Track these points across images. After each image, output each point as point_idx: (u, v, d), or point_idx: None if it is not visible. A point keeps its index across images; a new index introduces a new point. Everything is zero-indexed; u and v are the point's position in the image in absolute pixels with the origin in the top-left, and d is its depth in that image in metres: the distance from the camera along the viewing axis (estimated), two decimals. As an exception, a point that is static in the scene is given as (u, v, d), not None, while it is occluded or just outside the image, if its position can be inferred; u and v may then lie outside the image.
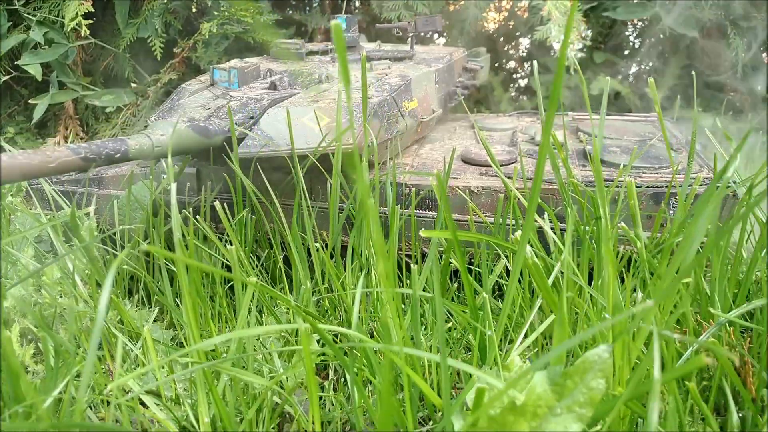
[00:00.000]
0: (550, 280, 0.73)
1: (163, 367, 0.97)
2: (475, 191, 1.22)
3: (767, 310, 0.78)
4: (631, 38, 3.12)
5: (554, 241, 0.84)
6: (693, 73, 1.33)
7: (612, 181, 1.19)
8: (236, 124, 1.20)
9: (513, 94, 3.48)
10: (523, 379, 0.63)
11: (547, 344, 0.90)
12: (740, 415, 0.78)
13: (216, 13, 2.51)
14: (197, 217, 1.06)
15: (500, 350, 0.78)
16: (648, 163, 1.28)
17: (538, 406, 0.55)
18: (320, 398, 0.96)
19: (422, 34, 1.93)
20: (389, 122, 1.30)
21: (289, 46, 1.49)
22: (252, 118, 1.24)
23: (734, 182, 1.06)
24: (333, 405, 0.89)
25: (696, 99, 2.62)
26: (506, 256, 0.93)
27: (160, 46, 2.69)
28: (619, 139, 1.46)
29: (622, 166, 1.22)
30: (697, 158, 1.36)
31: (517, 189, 1.21)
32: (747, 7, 2.71)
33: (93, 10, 2.54)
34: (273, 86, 1.38)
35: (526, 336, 0.74)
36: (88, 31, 2.47)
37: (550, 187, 1.21)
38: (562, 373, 0.55)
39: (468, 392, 0.63)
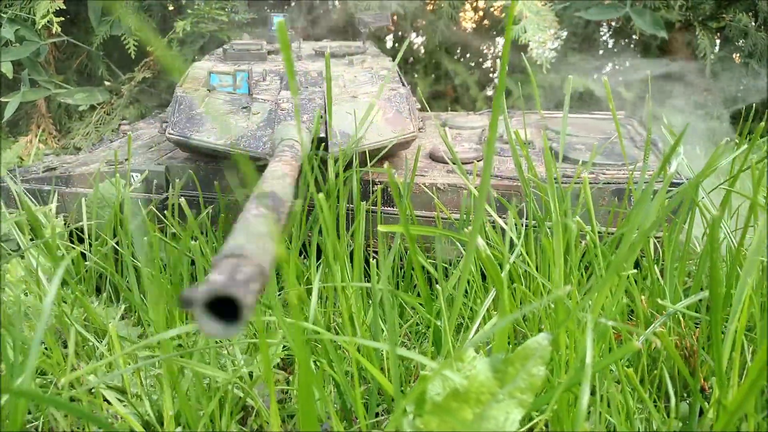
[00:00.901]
0: (505, 273, 0.75)
1: (129, 363, 0.97)
2: (441, 188, 1.24)
3: (717, 300, 0.81)
4: (605, 38, 3.17)
5: (513, 236, 0.86)
6: (648, 72, 1.36)
7: (570, 177, 1.21)
8: (306, 125, 1.21)
9: (490, 92, 3.51)
10: (467, 364, 0.65)
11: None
12: (688, 402, 0.81)
13: (190, 11, 2.50)
14: (164, 213, 1.07)
15: (457, 341, 0.80)
16: (612, 160, 1.31)
17: (481, 393, 0.57)
18: (286, 392, 0.97)
19: (372, 30, 1.94)
20: (414, 112, 1.37)
21: (249, 46, 1.48)
22: (321, 117, 1.25)
23: (686, 178, 1.10)
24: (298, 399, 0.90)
25: (667, 98, 2.67)
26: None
27: (134, 44, 2.67)
28: (586, 136, 1.49)
29: (581, 163, 1.25)
30: (659, 155, 1.40)
31: (478, 186, 1.24)
32: (714, 9, 2.77)
33: (65, 8, 2.51)
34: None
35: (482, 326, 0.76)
36: (59, 29, 2.45)
37: (514, 183, 1.23)
38: (503, 360, 0.57)
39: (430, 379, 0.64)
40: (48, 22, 2.47)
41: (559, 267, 0.69)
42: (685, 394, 0.85)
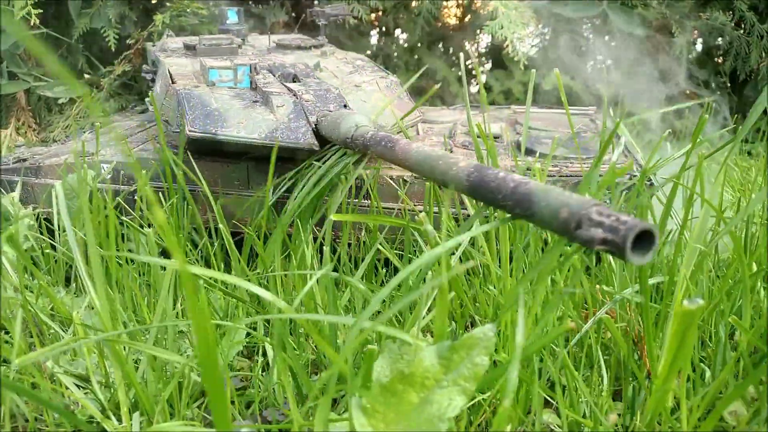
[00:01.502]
0: (455, 257, 0.77)
1: (94, 352, 0.98)
2: (408, 180, 1.26)
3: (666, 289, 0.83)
4: (585, 35, 3.20)
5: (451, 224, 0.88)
6: (603, 67, 1.38)
7: (529, 170, 1.24)
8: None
9: (474, 89, 3.53)
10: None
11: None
12: (633, 385, 0.84)
13: (169, 4, 2.49)
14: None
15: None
16: (577, 154, 1.34)
17: (426, 378, 0.59)
18: (249, 379, 0.98)
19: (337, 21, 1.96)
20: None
21: (220, 41, 1.49)
22: (345, 106, 1.26)
23: (636, 172, 1.13)
24: (261, 386, 0.91)
25: (643, 94, 2.70)
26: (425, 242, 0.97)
27: (114, 37, 2.66)
28: (554, 131, 1.52)
29: (537, 155, 1.27)
30: (625, 151, 1.42)
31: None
32: (692, 7, 2.81)
33: None
34: (295, 78, 1.39)
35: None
36: (38, 20, 2.43)
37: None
38: (449, 347, 0.58)
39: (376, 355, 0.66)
40: (26, 13, 2.46)
41: (505, 253, 0.71)
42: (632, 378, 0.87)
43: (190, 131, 1.22)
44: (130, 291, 1.04)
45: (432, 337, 0.91)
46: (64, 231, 1.27)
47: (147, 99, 1.80)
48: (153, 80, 1.72)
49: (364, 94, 1.33)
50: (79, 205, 1.20)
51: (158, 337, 0.86)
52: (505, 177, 0.65)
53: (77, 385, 0.87)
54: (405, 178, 1.27)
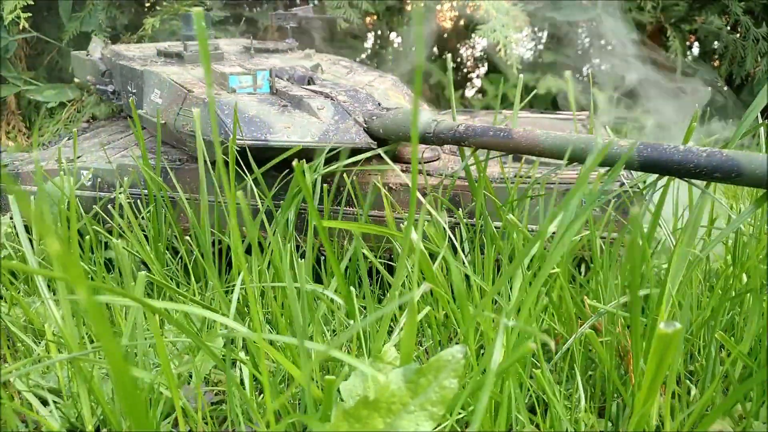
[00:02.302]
0: (435, 266, 0.75)
1: (67, 365, 0.96)
2: (393, 188, 1.24)
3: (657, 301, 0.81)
4: (581, 39, 3.18)
5: (453, 235, 0.85)
6: (589, 70, 1.36)
7: (521, 177, 1.21)
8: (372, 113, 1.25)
9: (468, 93, 3.51)
10: (387, 365, 0.64)
11: (422, 336, 0.92)
12: (618, 402, 0.81)
13: (159, 8, 2.47)
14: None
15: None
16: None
17: (392, 403, 0.56)
18: (223, 392, 0.96)
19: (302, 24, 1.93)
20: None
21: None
22: (379, 104, 1.27)
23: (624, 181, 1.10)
24: (237, 401, 0.89)
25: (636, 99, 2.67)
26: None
27: (104, 41, 2.64)
28: (544, 136, 1.49)
29: (523, 160, 1.25)
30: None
31: (434, 185, 1.23)
32: (686, 11, 2.79)
33: (34, 3, 2.47)
34: (310, 81, 1.40)
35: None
36: (27, 24, 2.41)
37: (466, 183, 1.23)
38: (416, 370, 0.56)
39: (340, 379, 0.64)
40: (16, 17, 2.44)
41: (489, 264, 0.69)
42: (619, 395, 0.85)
43: (239, 141, 1.17)
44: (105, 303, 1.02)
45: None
46: (41, 240, 1.24)
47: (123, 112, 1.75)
48: (114, 92, 1.63)
49: (382, 92, 1.33)
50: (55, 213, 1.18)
51: (128, 351, 0.83)
52: (689, 149, 0.81)
53: (47, 401, 0.85)
54: (390, 185, 1.24)
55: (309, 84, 1.38)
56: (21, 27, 2.41)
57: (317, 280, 1.27)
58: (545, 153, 0.97)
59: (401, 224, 1.21)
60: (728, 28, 2.84)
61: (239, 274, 0.94)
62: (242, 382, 0.94)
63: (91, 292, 0.27)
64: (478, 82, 3.54)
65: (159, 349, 0.58)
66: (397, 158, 1.36)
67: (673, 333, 0.42)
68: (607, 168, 0.94)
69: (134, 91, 1.45)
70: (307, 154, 1.21)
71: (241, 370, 0.97)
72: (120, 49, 1.71)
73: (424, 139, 1.09)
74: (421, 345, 0.93)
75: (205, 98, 1.24)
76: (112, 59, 1.65)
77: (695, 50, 3.15)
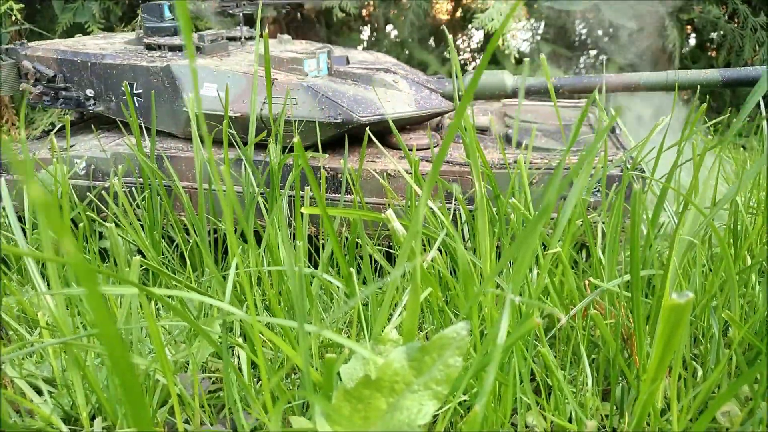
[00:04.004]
0: (433, 250, 0.73)
1: (61, 354, 0.94)
2: (392, 174, 1.22)
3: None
4: (578, 29, 3.17)
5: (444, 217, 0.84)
6: (596, 60, 1.36)
7: (514, 163, 1.20)
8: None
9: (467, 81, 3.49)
10: (388, 347, 0.63)
11: (422, 321, 0.90)
12: (623, 384, 0.80)
13: (153, -2, 2.45)
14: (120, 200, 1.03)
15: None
16: (573, 147, 1.30)
17: (395, 382, 0.54)
18: (219, 381, 0.94)
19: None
20: None
21: (216, 38, 1.44)
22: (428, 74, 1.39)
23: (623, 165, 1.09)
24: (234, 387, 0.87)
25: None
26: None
27: (98, 32, 2.61)
28: (544, 123, 1.48)
29: (524, 146, 1.23)
30: (617, 142, 1.39)
31: (428, 171, 1.22)
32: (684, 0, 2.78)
33: (26, -6, 2.45)
34: (347, 60, 1.47)
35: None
36: (20, 15, 2.38)
37: (461, 169, 1.22)
38: (419, 348, 0.54)
39: (341, 361, 0.62)
40: (8, 9, 2.41)
41: (485, 245, 0.67)
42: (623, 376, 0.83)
43: (361, 117, 1.24)
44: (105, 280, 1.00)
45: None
46: (35, 229, 1.22)
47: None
48: (90, 98, 1.45)
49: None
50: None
51: (123, 338, 0.81)
52: (756, 68, 1.11)
53: (41, 390, 0.83)
54: (389, 171, 1.23)
55: (346, 63, 1.43)
56: (14, 19, 2.38)
57: (315, 265, 1.25)
58: (643, 88, 1.23)
59: (402, 211, 1.19)
60: (726, 17, 2.82)
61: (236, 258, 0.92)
62: (240, 370, 0.93)
63: (95, 284, 0.25)
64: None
65: (153, 334, 0.56)
66: (394, 145, 1.35)
67: (686, 303, 0.40)
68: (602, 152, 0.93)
69: (139, 91, 1.36)
70: (400, 125, 1.32)
71: (239, 357, 0.95)
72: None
73: (515, 94, 1.26)
74: (420, 330, 0.91)
75: (306, 84, 1.28)
76: (61, 60, 1.46)
77: (692, 41, 3.14)
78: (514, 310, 0.62)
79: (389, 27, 3.36)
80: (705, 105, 0.86)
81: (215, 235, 1.25)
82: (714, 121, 1.05)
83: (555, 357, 0.89)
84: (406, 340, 0.52)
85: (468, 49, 3.54)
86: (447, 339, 0.53)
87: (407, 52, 3.18)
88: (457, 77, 1.08)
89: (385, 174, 1.23)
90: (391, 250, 1.23)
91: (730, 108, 2.61)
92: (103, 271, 0.63)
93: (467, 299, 0.57)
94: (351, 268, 0.68)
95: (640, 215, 0.60)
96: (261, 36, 1.67)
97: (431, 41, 3.34)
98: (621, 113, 2.65)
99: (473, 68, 3.53)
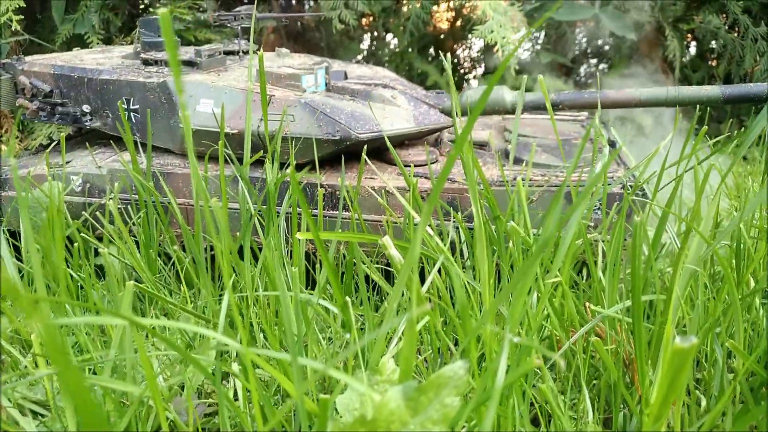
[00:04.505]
0: (433, 272, 0.72)
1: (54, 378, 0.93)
2: (390, 192, 1.21)
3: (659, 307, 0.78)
4: (578, 40, 3.16)
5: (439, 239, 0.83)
6: (596, 71, 1.35)
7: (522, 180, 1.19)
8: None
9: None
10: (386, 377, 0.62)
11: (420, 344, 0.89)
12: (625, 412, 0.78)
13: (152, 10, 2.45)
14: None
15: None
16: (568, 163, 1.29)
17: (391, 422, 0.53)
18: (216, 404, 0.93)
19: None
20: None
21: (213, 53, 1.43)
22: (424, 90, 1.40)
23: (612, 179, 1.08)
24: (229, 413, 0.86)
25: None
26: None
27: (98, 43, 2.61)
28: (544, 138, 1.47)
29: (524, 164, 1.22)
30: (617, 158, 1.38)
31: (426, 188, 1.20)
32: (684, 10, 2.77)
33: (26, 5, 2.45)
34: (345, 75, 1.49)
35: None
36: (19, 27, 2.38)
37: (461, 187, 1.20)
38: (416, 388, 0.53)
39: (335, 396, 0.61)
40: (8, 19, 2.41)
41: (484, 268, 0.66)
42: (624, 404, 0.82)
43: (359, 134, 1.23)
44: (93, 310, 0.99)
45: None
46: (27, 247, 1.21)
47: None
48: (86, 114, 1.43)
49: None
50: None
51: (116, 364, 0.80)
52: (757, 84, 1.15)
53: (36, 413, 0.82)
54: (387, 189, 1.22)
55: (344, 78, 1.41)
56: (13, 29, 2.38)
57: (312, 283, 1.24)
58: (644, 105, 1.24)
59: (399, 228, 1.18)
60: (726, 27, 2.82)
61: (233, 279, 0.91)
62: (236, 395, 0.91)
63: (54, 328, 0.24)
64: (475, 83, 3.51)
65: (144, 364, 0.55)
66: (393, 161, 1.34)
67: (690, 348, 0.39)
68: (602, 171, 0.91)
69: (136, 107, 1.35)
70: (398, 141, 1.32)
71: (234, 381, 0.94)
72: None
73: (514, 110, 1.26)
74: (419, 353, 0.90)
75: (303, 100, 1.26)
76: (57, 75, 1.44)
77: (692, 50, 3.14)
78: (512, 347, 0.61)
79: (389, 36, 3.36)
80: (705, 127, 0.85)
81: (212, 252, 1.24)
82: (714, 140, 1.04)
83: (556, 381, 0.88)
84: (403, 379, 0.50)
85: (468, 58, 3.54)
86: (444, 378, 0.52)
87: (407, 62, 3.17)
88: (453, 95, 1.07)
89: (383, 191, 1.22)
90: (390, 268, 1.21)
91: (731, 119, 2.60)
92: (93, 307, 0.62)
93: (465, 333, 0.56)
94: (347, 297, 0.66)
95: (641, 247, 0.59)
96: (256, 52, 1.68)
97: (431, 50, 3.34)
98: (622, 123, 2.63)
99: (474, 77, 3.53)
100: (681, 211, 1.13)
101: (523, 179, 1.19)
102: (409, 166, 1.31)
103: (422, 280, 0.91)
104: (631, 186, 1.07)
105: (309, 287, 1.26)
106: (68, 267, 1.16)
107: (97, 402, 0.65)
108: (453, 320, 0.89)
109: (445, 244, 0.78)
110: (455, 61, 3.47)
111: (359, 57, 3.36)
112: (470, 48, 3.50)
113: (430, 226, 1.08)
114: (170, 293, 1.18)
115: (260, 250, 1.01)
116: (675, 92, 1.19)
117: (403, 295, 1.00)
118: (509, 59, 0.46)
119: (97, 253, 1.39)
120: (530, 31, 0.77)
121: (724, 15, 2.83)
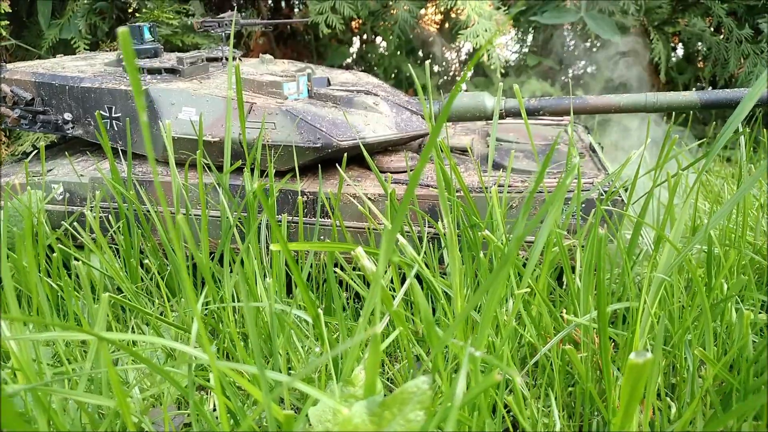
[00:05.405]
0: (409, 280, 0.72)
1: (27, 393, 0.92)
2: (372, 198, 1.22)
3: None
4: (566, 43, 3.18)
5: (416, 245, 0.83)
6: (567, 78, 1.36)
7: (502, 186, 1.19)
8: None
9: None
10: (357, 389, 0.62)
11: (393, 355, 0.90)
12: (598, 419, 0.79)
13: (138, 15, 2.44)
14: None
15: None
16: (551, 168, 1.30)
17: (355, 438, 0.53)
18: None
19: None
20: None
21: (195, 60, 1.43)
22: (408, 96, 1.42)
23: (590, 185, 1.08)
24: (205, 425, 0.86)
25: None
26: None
27: (85, 48, 2.60)
28: (525, 143, 1.48)
29: (501, 170, 1.23)
30: (598, 163, 1.38)
31: (418, 195, 1.21)
32: (669, 13, 2.79)
33: (11, 11, 2.43)
34: (328, 82, 1.49)
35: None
36: (4, 32, 2.37)
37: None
38: (380, 403, 0.53)
39: (306, 409, 0.61)
40: (-7, 25, 2.40)
41: (456, 278, 0.66)
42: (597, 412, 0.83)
43: (340, 141, 1.23)
44: (74, 321, 0.99)
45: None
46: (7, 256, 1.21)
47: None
48: (68, 122, 1.42)
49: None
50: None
51: (91, 378, 0.80)
52: (734, 90, 1.19)
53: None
54: (369, 195, 1.22)
55: (328, 85, 1.42)
56: (0, 34, 2.37)
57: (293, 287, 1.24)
58: (622, 110, 1.25)
59: (379, 235, 1.19)
60: (711, 29, 2.84)
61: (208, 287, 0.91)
62: (214, 405, 0.91)
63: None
64: (464, 86, 3.52)
65: (113, 380, 0.55)
66: (377, 167, 1.34)
67: (644, 363, 0.40)
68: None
69: (117, 115, 1.34)
70: (380, 147, 1.33)
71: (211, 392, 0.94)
72: (42, 70, 1.46)
73: (499, 116, 1.28)
74: (397, 362, 0.90)
75: (284, 108, 1.25)
76: (39, 83, 1.42)
77: (679, 52, 3.16)
78: (475, 362, 0.62)
79: (378, 39, 3.37)
80: (676, 137, 0.86)
81: (193, 261, 1.23)
82: (696, 143, 1.05)
83: (531, 388, 0.88)
84: (367, 394, 0.51)
85: (456, 61, 3.55)
86: (408, 393, 0.52)
87: (395, 65, 3.18)
88: (429, 102, 1.07)
89: (366, 197, 1.22)
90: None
91: (715, 122, 2.62)
92: (61, 325, 0.62)
93: (432, 346, 0.56)
94: (319, 309, 0.67)
95: (605, 260, 0.59)
96: (241, 59, 1.68)
97: (420, 53, 3.34)
98: (607, 125, 2.64)
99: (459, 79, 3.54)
100: (659, 215, 1.14)
101: (501, 186, 1.20)
102: (386, 172, 1.31)
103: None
104: (605, 192, 1.08)
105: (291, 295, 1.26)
106: (49, 277, 1.16)
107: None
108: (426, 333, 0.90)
109: (419, 253, 0.79)
110: (444, 64, 3.48)
111: (348, 60, 3.36)
112: (459, 51, 3.51)
113: (409, 234, 1.09)
114: (152, 302, 1.18)
115: (242, 261, 1.01)
116: (654, 98, 1.21)
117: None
118: (478, 58, 0.46)
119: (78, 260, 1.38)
120: (499, 30, 0.77)
121: (709, 17, 2.86)
